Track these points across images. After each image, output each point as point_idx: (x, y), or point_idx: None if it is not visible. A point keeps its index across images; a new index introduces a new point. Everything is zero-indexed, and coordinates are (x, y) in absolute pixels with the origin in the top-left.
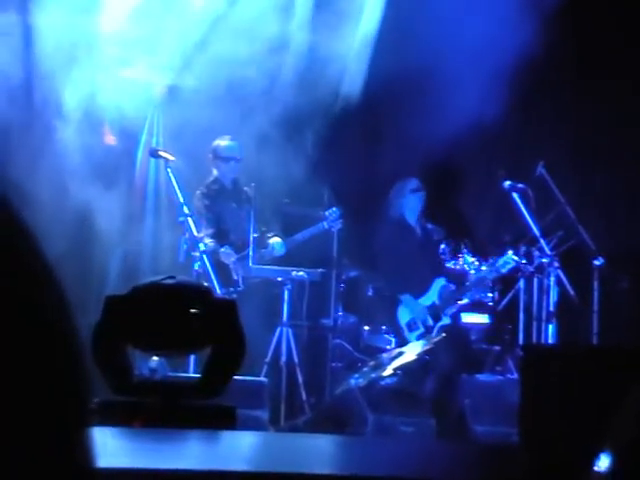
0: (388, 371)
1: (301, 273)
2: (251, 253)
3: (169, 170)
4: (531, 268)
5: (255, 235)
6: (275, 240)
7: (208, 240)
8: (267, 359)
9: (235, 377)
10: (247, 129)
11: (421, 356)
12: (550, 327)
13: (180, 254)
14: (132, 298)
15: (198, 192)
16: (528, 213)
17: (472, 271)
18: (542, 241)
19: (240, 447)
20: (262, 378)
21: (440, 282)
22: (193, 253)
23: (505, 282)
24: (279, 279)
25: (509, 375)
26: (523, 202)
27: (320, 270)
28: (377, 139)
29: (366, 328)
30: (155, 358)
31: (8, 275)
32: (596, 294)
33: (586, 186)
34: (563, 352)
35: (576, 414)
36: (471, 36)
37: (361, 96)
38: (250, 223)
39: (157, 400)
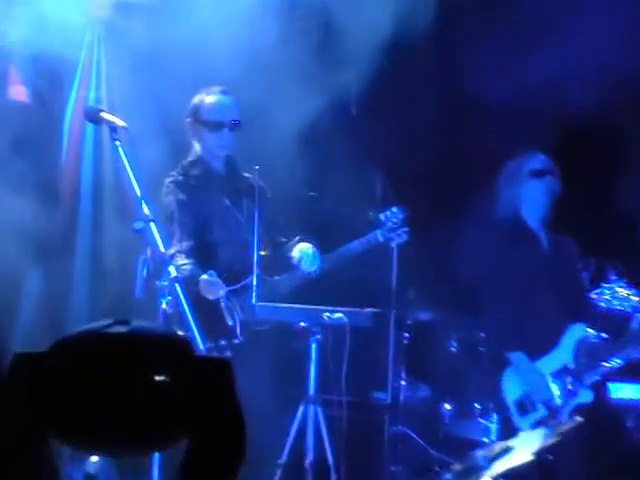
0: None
1: (339, 315)
2: (255, 282)
3: (118, 144)
4: None
5: (263, 253)
6: (303, 247)
7: (183, 260)
8: (282, 459)
9: None
10: (245, 75)
11: (541, 455)
12: None
13: (137, 284)
14: (56, 358)
15: (168, 180)
16: None
17: (628, 309)
18: None
19: None
20: None
21: (578, 330)
22: (159, 282)
23: None
24: (302, 325)
25: None
26: None
27: (370, 310)
28: (458, 90)
29: (447, 407)
30: (95, 459)
31: None
32: None
33: None
34: None
35: None
36: None
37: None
38: (253, 231)
39: None
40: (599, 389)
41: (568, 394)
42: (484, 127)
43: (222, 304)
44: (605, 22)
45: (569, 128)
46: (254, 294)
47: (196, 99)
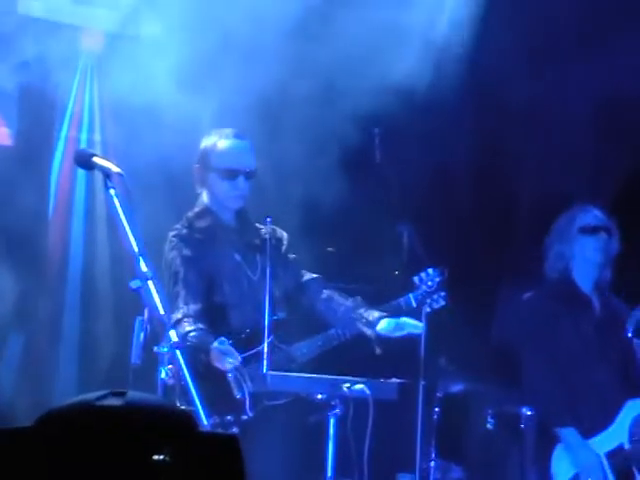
0: None
1: (360, 386)
2: (266, 349)
3: (112, 192)
4: None
5: (276, 317)
6: (391, 321)
7: (191, 326)
8: None
9: None
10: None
11: None
12: None
13: (134, 350)
14: (40, 434)
15: (171, 234)
16: None
17: None
18: None
19: None
20: None
21: (635, 407)
22: (158, 349)
23: None
24: (320, 397)
25: None
26: None
27: (395, 381)
28: (493, 132)
29: None
30: None
31: None
32: None
33: None
34: None
35: None
36: None
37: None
38: (265, 291)
39: None
40: None
41: (624, 477)
42: (527, 175)
43: (230, 375)
44: None
45: (630, 177)
46: (265, 362)
47: (206, 142)
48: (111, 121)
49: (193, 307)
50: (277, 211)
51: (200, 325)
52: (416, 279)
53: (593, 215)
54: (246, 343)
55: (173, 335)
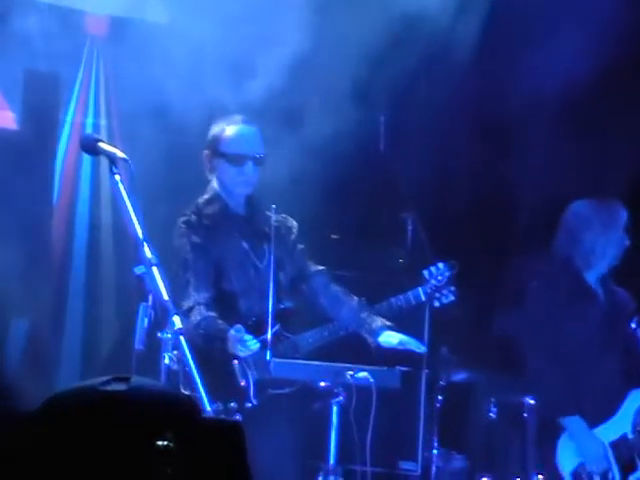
0: None
1: (363, 374)
2: (270, 336)
3: (117, 178)
4: None
5: (283, 306)
6: (398, 336)
7: (202, 314)
8: None
9: None
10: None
11: None
12: None
13: (137, 336)
14: (44, 419)
15: (180, 220)
16: None
17: None
18: None
19: None
20: None
21: (639, 396)
22: (162, 334)
23: None
24: (323, 384)
25: None
26: None
27: (399, 369)
28: (498, 120)
29: None
30: None
31: None
32: None
33: None
34: None
35: None
36: None
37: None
38: (269, 279)
39: None
40: None
41: (628, 467)
42: (532, 163)
43: (234, 362)
44: None
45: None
46: (269, 350)
47: (215, 129)
48: (117, 106)
49: (204, 295)
50: (282, 199)
51: (212, 313)
52: (426, 273)
53: (618, 209)
54: (252, 331)
55: (177, 321)
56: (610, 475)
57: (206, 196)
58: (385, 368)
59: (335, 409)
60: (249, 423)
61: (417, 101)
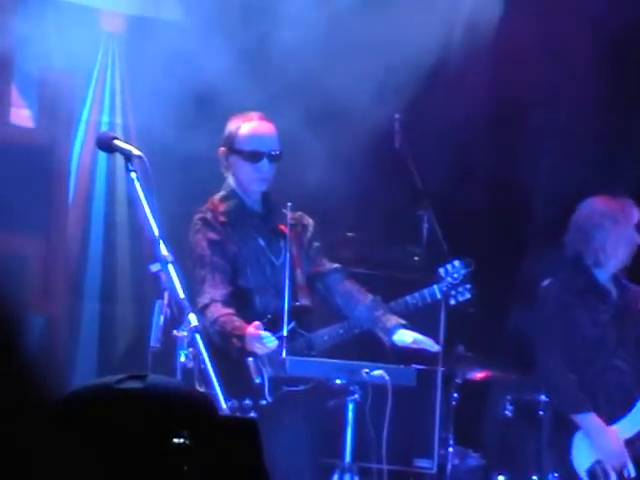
0: None
1: (379, 372)
2: (286, 334)
3: (133, 175)
4: None
5: (298, 303)
6: (413, 335)
7: (219, 311)
8: None
9: None
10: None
11: None
12: None
13: (153, 333)
14: (58, 417)
15: (196, 217)
16: None
17: None
18: None
19: None
20: None
21: None
22: (177, 332)
23: None
24: (338, 382)
25: None
26: None
27: (414, 367)
28: (514, 116)
29: (501, 479)
30: None
31: None
32: None
33: None
34: None
35: None
36: None
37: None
38: (284, 276)
39: None
40: None
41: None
42: (548, 161)
43: (249, 359)
44: None
45: None
46: (284, 347)
47: (231, 126)
48: (133, 104)
49: (220, 291)
50: (297, 196)
51: (229, 310)
52: (442, 271)
53: (636, 211)
54: (268, 328)
55: (193, 318)
56: (626, 472)
57: (222, 193)
58: (401, 366)
59: (351, 407)
60: (264, 421)
61: (433, 98)
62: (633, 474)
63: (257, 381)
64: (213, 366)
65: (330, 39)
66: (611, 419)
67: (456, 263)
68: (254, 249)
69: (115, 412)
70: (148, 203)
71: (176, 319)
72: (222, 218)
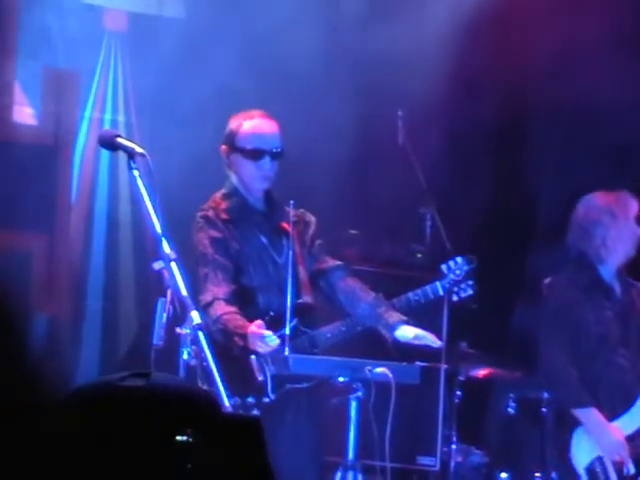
0: None
1: (382, 370)
2: (288, 331)
3: (136, 173)
4: None
5: (301, 301)
6: (415, 331)
7: (221, 309)
8: None
9: None
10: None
11: None
12: None
13: (156, 331)
14: (60, 415)
15: (199, 215)
16: None
17: None
18: None
19: None
20: None
21: None
22: (180, 330)
23: None
24: (341, 380)
25: None
26: None
27: (418, 365)
28: (519, 115)
29: (503, 476)
30: None
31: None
32: None
33: None
34: None
35: None
36: None
37: None
38: (287, 274)
39: None
40: None
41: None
42: (550, 159)
43: (252, 357)
44: None
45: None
46: (287, 345)
47: (233, 124)
48: (136, 102)
49: (223, 289)
50: (301, 194)
51: (232, 308)
52: (444, 267)
53: (635, 204)
54: (270, 326)
55: (195, 316)
56: (625, 469)
57: (224, 191)
58: (404, 364)
59: (354, 404)
60: (267, 418)
61: (436, 95)
62: (633, 471)
63: (260, 379)
64: (216, 364)
65: (330, 40)
66: (611, 416)
67: (458, 260)
68: (256, 247)
69: (118, 410)
70: (151, 201)
71: (179, 317)
72: (224, 216)
